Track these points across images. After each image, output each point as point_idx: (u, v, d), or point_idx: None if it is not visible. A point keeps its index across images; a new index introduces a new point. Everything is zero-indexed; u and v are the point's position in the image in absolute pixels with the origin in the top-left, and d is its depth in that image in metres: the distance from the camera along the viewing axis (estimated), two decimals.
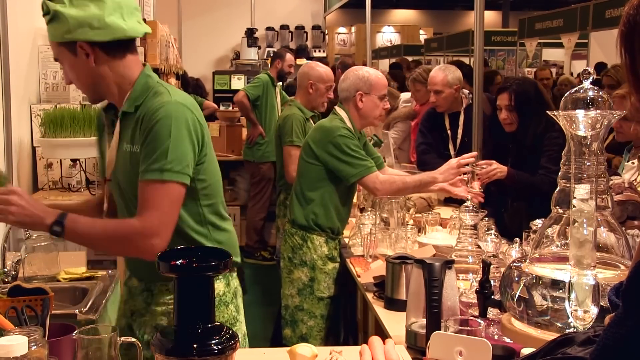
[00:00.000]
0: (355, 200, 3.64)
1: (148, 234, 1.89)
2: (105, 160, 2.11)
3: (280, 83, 6.64)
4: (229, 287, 2.17)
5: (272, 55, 6.80)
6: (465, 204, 2.69)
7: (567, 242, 1.60)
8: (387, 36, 15.74)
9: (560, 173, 1.66)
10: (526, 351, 1.56)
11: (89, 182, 3.46)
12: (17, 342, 1.31)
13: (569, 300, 1.51)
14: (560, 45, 10.21)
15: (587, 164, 1.58)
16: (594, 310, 1.48)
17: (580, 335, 1.11)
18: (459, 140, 4.40)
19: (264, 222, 6.67)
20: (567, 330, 1.56)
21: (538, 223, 2.49)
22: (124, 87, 2.01)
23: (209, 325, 1.41)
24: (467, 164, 3.20)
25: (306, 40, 12.34)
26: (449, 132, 4.47)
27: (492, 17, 17.69)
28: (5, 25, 3.11)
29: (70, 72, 2.02)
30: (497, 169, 3.41)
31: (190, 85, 8.42)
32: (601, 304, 1.48)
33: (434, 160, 4.06)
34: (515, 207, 3.56)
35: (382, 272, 2.59)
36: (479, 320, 1.76)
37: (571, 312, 1.51)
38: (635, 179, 3.14)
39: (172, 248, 1.64)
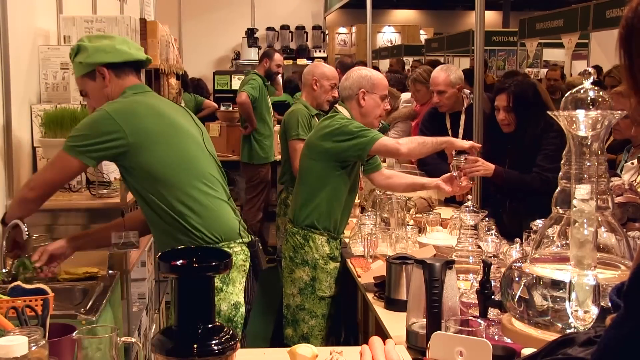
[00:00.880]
0: (356, 200, 3.64)
1: (26, 186, 2.65)
2: None
3: (269, 83, 6.71)
4: None
5: (259, 54, 6.86)
6: (465, 204, 2.69)
7: (567, 242, 1.60)
8: (388, 36, 15.73)
9: (560, 173, 1.66)
10: (527, 351, 1.56)
11: (90, 183, 3.45)
12: (17, 342, 1.31)
13: (569, 301, 1.51)
14: (560, 46, 10.21)
15: (588, 164, 1.58)
16: (594, 311, 1.48)
17: (581, 336, 1.11)
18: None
19: (261, 223, 6.69)
20: (568, 331, 1.56)
21: (538, 223, 2.49)
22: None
23: (209, 326, 1.41)
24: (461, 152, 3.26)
25: (307, 40, 12.34)
26: (449, 131, 4.47)
27: (492, 17, 17.68)
28: (6, 25, 3.11)
29: (93, 99, 2.62)
30: (481, 165, 3.37)
31: (190, 86, 8.44)
32: (601, 304, 1.48)
33: (434, 160, 4.06)
34: (514, 207, 3.56)
35: (382, 272, 2.59)
36: (479, 320, 1.76)
37: (572, 313, 1.50)
38: (635, 180, 3.14)
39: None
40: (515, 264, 1.79)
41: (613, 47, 0.90)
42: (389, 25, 16.20)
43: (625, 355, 0.81)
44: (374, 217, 3.41)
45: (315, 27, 12.51)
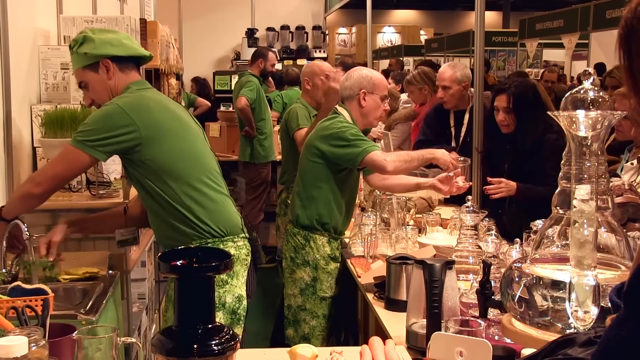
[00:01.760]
0: (356, 200, 3.64)
1: (29, 180, 2.66)
2: None
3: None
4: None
5: (253, 54, 6.87)
6: (465, 205, 2.69)
7: (567, 242, 1.60)
8: (388, 36, 15.73)
9: (560, 173, 1.66)
10: (527, 352, 1.56)
11: (90, 183, 3.45)
12: (17, 342, 1.31)
13: (569, 301, 1.51)
14: (560, 46, 10.20)
15: (588, 164, 1.58)
16: (594, 311, 1.48)
17: (581, 336, 1.11)
18: (461, 138, 4.40)
19: (260, 224, 6.69)
20: (568, 331, 1.55)
21: (538, 223, 2.49)
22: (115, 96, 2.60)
23: (209, 326, 1.41)
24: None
25: (307, 40, 12.35)
26: (452, 129, 4.47)
27: (492, 18, 17.68)
28: (6, 25, 3.11)
29: (92, 91, 2.60)
30: (504, 186, 3.42)
31: (196, 87, 8.56)
32: (601, 304, 1.48)
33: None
34: (514, 207, 3.56)
35: (382, 273, 2.59)
36: (479, 320, 1.76)
37: (572, 313, 1.50)
38: (635, 180, 3.14)
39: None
40: (515, 264, 1.79)
41: (613, 47, 0.90)
42: (389, 26, 16.20)
43: (625, 355, 0.81)
44: (374, 217, 3.41)
45: (315, 28, 12.52)
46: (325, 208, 3.26)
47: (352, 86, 3.32)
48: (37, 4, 3.76)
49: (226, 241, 2.61)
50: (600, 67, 9.11)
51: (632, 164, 3.34)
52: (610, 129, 1.87)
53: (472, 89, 4.49)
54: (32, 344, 1.37)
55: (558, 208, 1.67)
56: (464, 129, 4.41)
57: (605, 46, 10.58)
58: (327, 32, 13.01)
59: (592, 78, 1.61)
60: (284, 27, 12.38)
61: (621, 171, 3.35)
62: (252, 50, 11.73)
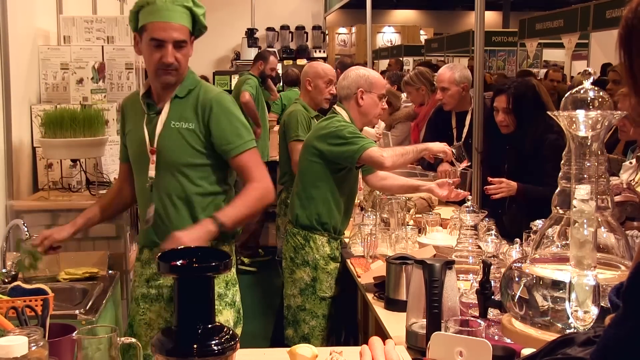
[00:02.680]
0: (356, 200, 3.64)
1: (270, 187, 2.50)
2: (121, 143, 2.67)
3: (262, 87, 6.79)
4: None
5: (256, 55, 6.88)
6: (465, 205, 2.69)
7: (567, 242, 1.60)
8: (388, 36, 15.73)
9: (560, 173, 1.66)
10: (526, 352, 1.56)
11: (89, 183, 3.45)
12: (17, 342, 1.31)
13: (569, 301, 1.51)
14: (560, 46, 10.20)
15: (588, 164, 1.58)
16: (594, 311, 1.48)
17: (580, 336, 1.11)
18: (462, 140, 4.40)
19: (261, 224, 6.70)
20: (568, 331, 1.56)
21: (538, 223, 2.49)
22: (183, 75, 2.49)
23: (209, 326, 1.41)
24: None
25: (306, 40, 12.34)
26: (454, 130, 4.46)
27: (492, 18, 17.68)
28: (6, 25, 3.11)
29: (184, 58, 2.45)
30: (505, 186, 3.42)
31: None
32: (601, 304, 1.48)
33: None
34: (513, 207, 3.56)
35: (382, 273, 2.59)
36: (479, 320, 1.76)
37: (572, 313, 1.50)
38: (634, 179, 3.14)
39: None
40: (515, 264, 1.79)
41: (613, 47, 0.90)
42: (389, 26, 16.21)
43: (625, 355, 0.81)
44: (374, 217, 3.41)
45: (315, 28, 12.51)
46: (324, 208, 3.26)
47: (350, 85, 3.32)
48: (37, 4, 3.76)
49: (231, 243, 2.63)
50: (606, 68, 9.09)
51: (630, 162, 3.34)
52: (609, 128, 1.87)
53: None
54: (32, 344, 1.37)
55: (558, 208, 1.67)
56: (465, 130, 4.40)
57: (605, 46, 10.57)
58: (327, 32, 13.00)
59: (592, 78, 1.61)
60: (284, 27, 12.37)
61: (620, 170, 3.35)
62: (252, 50, 11.75)
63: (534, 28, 9.90)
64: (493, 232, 2.62)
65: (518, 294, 1.70)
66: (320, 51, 12.25)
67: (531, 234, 2.51)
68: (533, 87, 3.61)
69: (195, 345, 1.37)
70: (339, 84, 3.40)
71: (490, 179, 3.46)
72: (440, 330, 1.81)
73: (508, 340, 1.82)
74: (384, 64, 13.35)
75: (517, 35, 11.05)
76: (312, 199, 3.27)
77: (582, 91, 1.60)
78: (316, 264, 3.26)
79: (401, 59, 12.50)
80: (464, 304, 2.17)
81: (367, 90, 3.30)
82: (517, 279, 1.72)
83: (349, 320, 3.52)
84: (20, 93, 3.38)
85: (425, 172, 4.37)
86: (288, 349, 1.78)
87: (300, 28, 12.37)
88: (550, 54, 14.33)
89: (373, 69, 6.50)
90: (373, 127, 4.38)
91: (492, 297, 2.02)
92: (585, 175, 1.57)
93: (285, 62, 11.36)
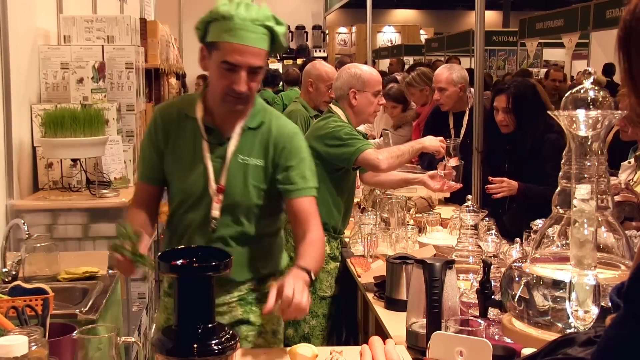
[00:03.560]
0: (355, 200, 3.64)
1: (324, 240, 2.28)
2: (150, 162, 2.24)
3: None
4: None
5: None
6: (465, 204, 2.69)
7: (567, 242, 1.60)
8: (388, 36, 15.74)
9: (560, 173, 1.66)
10: (527, 351, 1.56)
11: (90, 182, 3.45)
12: (18, 342, 1.31)
13: (569, 301, 1.51)
14: (561, 45, 10.21)
15: (588, 164, 1.58)
16: (594, 311, 1.48)
17: (581, 336, 1.11)
18: (460, 140, 4.40)
19: None
20: (568, 331, 1.56)
21: (538, 223, 2.49)
22: (252, 103, 2.21)
23: (209, 326, 1.41)
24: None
25: (307, 40, 12.36)
26: (452, 131, 4.46)
27: (492, 17, 17.68)
28: (6, 25, 3.11)
29: (257, 85, 2.17)
30: (506, 185, 3.42)
31: (206, 81, 8.47)
32: (602, 304, 1.48)
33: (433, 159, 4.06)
34: (514, 207, 3.56)
35: (382, 272, 2.59)
36: (479, 320, 1.76)
37: (572, 313, 1.50)
38: (632, 179, 3.14)
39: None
40: (515, 264, 1.79)
41: (613, 47, 0.90)
42: (389, 25, 16.21)
43: (625, 355, 0.81)
44: (374, 217, 3.40)
45: (315, 27, 12.53)
46: (323, 208, 3.24)
47: (342, 86, 3.31)
48: (37, 4, 3.76)
49: None
50: (609, 68, 9.10)
51: (629, 162, 3.34)
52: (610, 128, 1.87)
53: (472, 89, 4.50)
54: (32, 344, 1.37)
55: (558, 207, 1.67)
56: (463, 130, 4.40)
57: (605, 46, 10.57)
58: (327, 32, 13.02)
59: (592, 77, 1.61)
60: None
61: (620, 170, 3.35)
62: None
63: (534, 28, 9.91)
64: (493, 231, 2.62)
65: (518, 293, 1.70)
66: (320, 51, 12.27)
67: (531, 234, 2.51)
68: (533, 87, 3.61)
69: (195, 345, 1.37)
70: (334, 84, 3.40)
71: (491, 178, 3.46)
72: (440, 329, 1.81)
73: (508, 340, 1.82)
74: (384, 63, 13.36)
75: (517, 35, 11.06)
76: None
77: (582, 91, 1.60)
78: None
79: (402, 58, 12.50)
80: (464, 304, 2.17)
81: (359, 90, 3.28)
82: (517, 279, 1.72)
83: (349, 319, 3.52)
84: (20, 93, 3.38)
85: (424, 171, 4.37)
86: (288, 348, 1.78)
87: (300, 27, 12.39)
88: (550, 54, 14.34)
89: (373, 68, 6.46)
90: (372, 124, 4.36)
91: (493, 296, 2.02)
92: (586, 175, 1.57)
93: (285, 61, 11.37)
